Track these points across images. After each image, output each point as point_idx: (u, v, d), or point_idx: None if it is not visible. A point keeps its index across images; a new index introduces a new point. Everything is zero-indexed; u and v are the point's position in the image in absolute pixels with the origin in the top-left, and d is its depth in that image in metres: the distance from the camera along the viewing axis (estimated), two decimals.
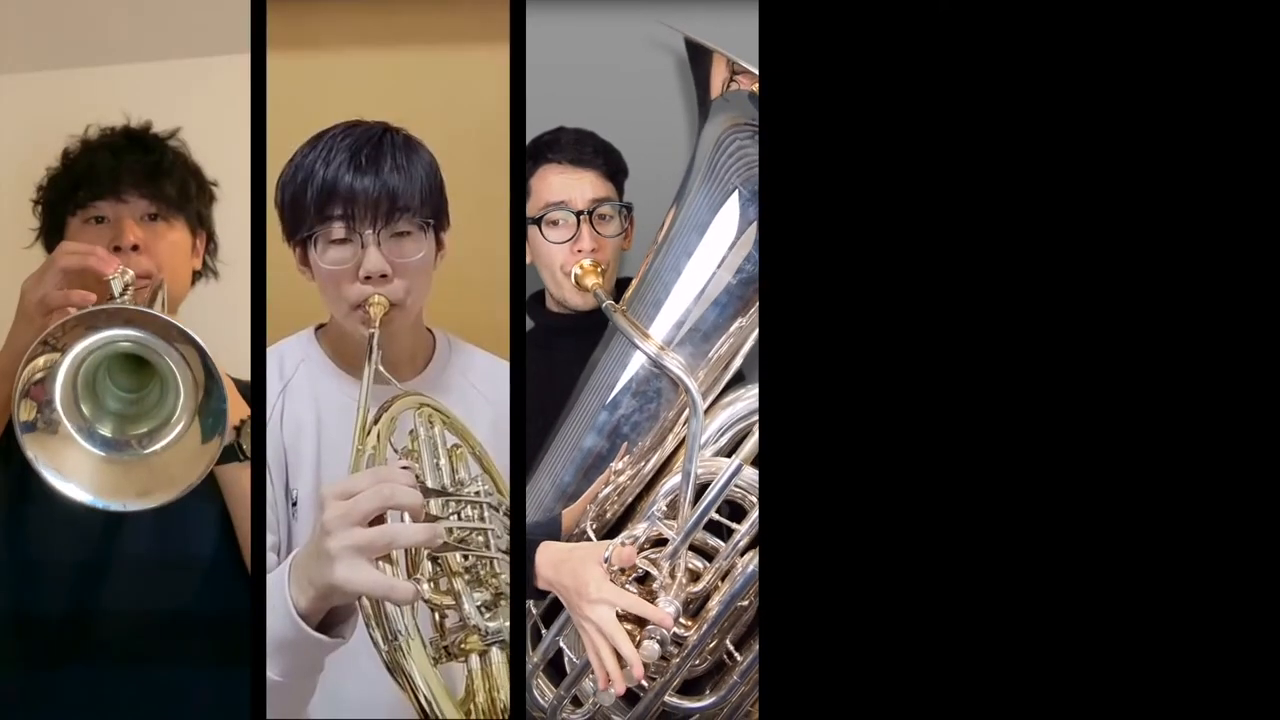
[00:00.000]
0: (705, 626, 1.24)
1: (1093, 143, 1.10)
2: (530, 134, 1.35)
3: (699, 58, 1.26)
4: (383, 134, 1.29)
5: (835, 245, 1.12)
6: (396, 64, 1.65)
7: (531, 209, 1.44)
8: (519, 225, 1.35)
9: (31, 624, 1.30)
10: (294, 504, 1.30)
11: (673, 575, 1.23)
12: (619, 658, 1.19)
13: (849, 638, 1.11)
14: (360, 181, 1.25)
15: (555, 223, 1.41)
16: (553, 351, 1.44)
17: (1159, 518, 1.08)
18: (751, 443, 1.25)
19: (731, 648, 1.29)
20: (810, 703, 1.11)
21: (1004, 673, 1.10)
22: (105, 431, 1.15)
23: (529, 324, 1.51)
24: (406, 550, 1.10)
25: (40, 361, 1.10)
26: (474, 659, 1.10)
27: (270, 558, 1.27)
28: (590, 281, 1.37)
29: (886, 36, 1.13)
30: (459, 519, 1.16)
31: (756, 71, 1.17)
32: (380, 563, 1.04)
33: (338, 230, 1.26)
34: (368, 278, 1.26)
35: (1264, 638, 1.06)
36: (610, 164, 1.44)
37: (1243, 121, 1.09)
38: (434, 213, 1.30)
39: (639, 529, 1.25)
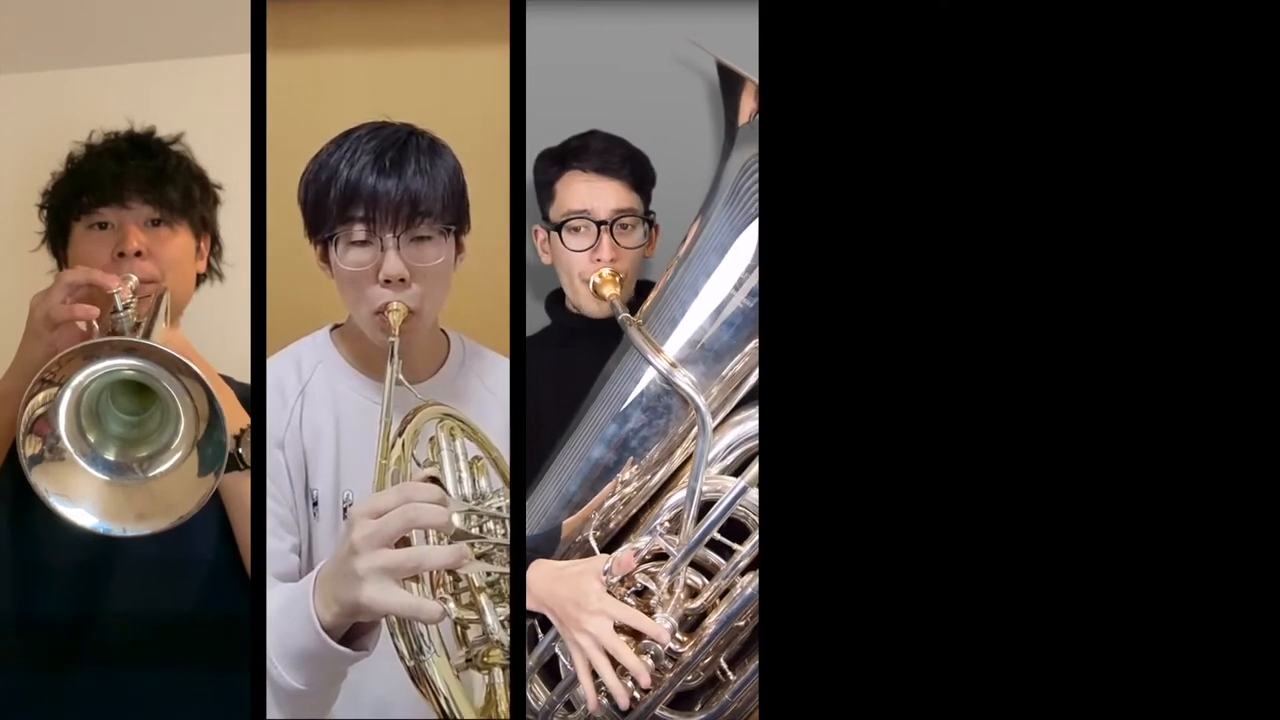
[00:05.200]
0: (701, 644, 1.25)
1: (1094, 144, 1.10)
2: (531, 134, 1.34)
3: (729, 83, 1.25)
4: (408, 137, 1.29)
5: (836, 249, 1.13)
6: (396, 64, 1.65)
7: (554, 214, 1.45)
8: (519, 226, 1.36)
9: (35, 627, 1.31)
10: (315, 504, 1.31)
11: (671, 591, 1.24)
12: (617, 671, 1.20)
13: (849, 656, 1.12)
14: (383, 184, 1.25)
15: (576, 230, 1.42)
16: (570, 350, 1.44)
17: (1159, 523, 1.08)
18: (757, 465, 1.24)
19: (725, 665, 1.30)
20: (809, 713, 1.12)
21: (1006, 691, 1.10)
22: (109, 455, 1.15)
23: (547, 322, 1.52)
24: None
25: (40, 398, 1.11)
26: (497, 672, 1.12)
27: (291, 558, 1.28)
28: (608, 291, 1.37)
29: (886, 37, 1.13)
30: (480, 532, 1.17)
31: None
32: (406, 581, 1.05)
33: (358, 232, 1.26)
34: (387, 281, 1.26)
35: (1264, 638, 1.07)
36: (637, 173, 1.44)
37: (1243, 121, 1.09)
38: (455, 217, 1.31)
39: (641, 542, 1.26)
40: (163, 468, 1.16)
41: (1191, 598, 1.08)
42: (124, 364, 1.12)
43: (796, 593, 1.12)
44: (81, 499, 1.13)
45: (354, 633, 1.10)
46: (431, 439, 1.23)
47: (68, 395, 1.12)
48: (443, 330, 1.41)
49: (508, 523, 1.19)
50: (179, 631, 1.31)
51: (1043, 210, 1.11)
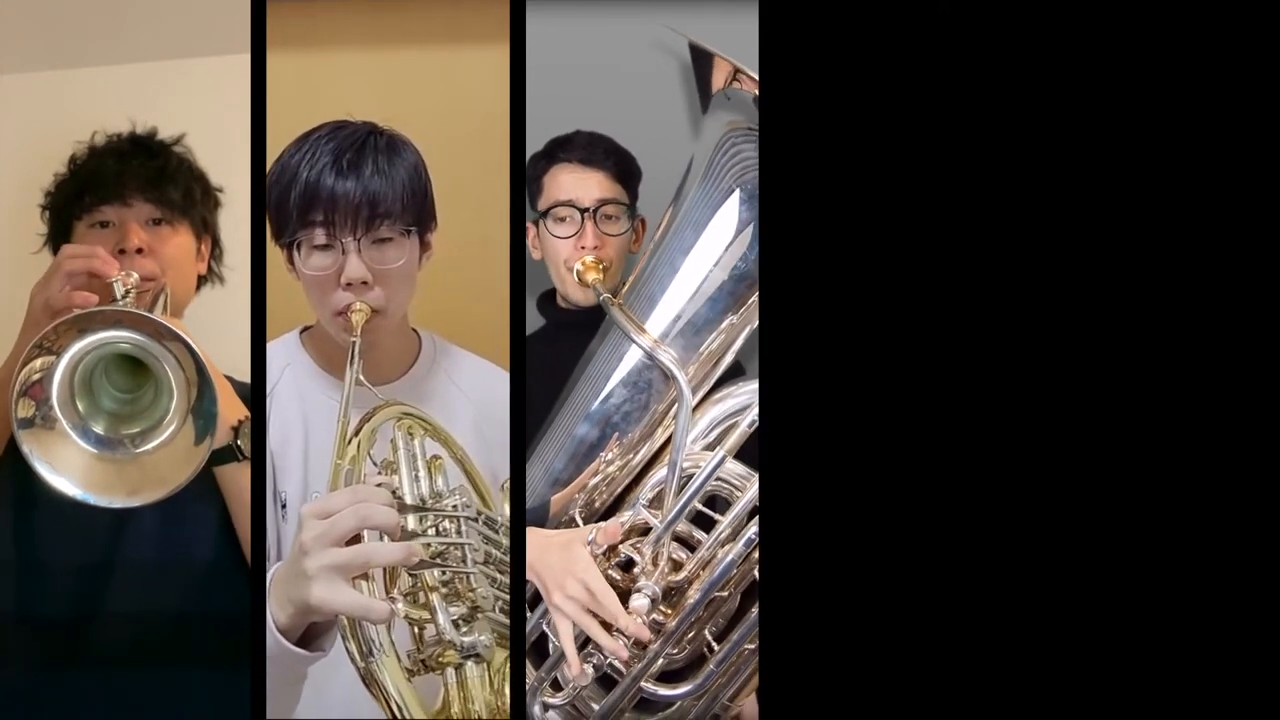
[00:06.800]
0: (684, 613, 1.26)
1: (1093, 143, 1.10)
2: (530, 134, 1.35)
3: (701, 60, 1.27)
4: (367, 136, 1.28)
5: (835, 245, 1.13)
6: (397, 64, 1.65)
7: (541, 205, 1.47)
8: (519, 226, 1.36)
9: (35, 625, 1.31)
10: (283, 506, 1.31)
11: (655, 562, 1.25)
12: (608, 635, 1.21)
13: (849, 635, 1.11)
14: (342, 185, 1.24)
15: (562, 219, 1.44)
16: (559, 346, 1.45)
17: (1159, 517, 1.08)
18: (735, 435, 1.26)
19: (710, 639, 1.30)
20: (809, 699, 1.12)
21: (1004, 676, 1.10)
22: (99, 429, 1.16)
23: (540, 321, 1.53)
24: (384, 567, 1.11)
25: (37, 364, 1.12)
26: (449, 672, 1.11)
27: None
28: (591, 277, 1.39)
29: (886, 37, 1.13)
30: (436, 533, 1.17)
31: (757, 75, 1.18)
32: (357, 581, 1.05)
33: (319, 236, 1.26)
34: (349, 284, 1.26)
35: (1264, 638, 1.07)
36: (621, 167, 1.46)
37: (1243, 121, 1.09)
38: (417, 217, 1.30)
39: (625, 516, 1.27)
40: (155, 442, 1.16)
41: (1191, 598, 1.07)
42: (115, 335, 1.13)
43: (796, 569, 1.12)
44: (68, 470, 1.14)
45: (311, 633, 1.10)
46: (391, 440, 1.23)
47: (63, 363, 1.13)
48: (414, 330, 1.41)
49: (463, 521, 1.18)
50: (179, 631, 1.31)
51: (1041, 207, 1.10)
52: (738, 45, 1.23)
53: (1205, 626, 1.07)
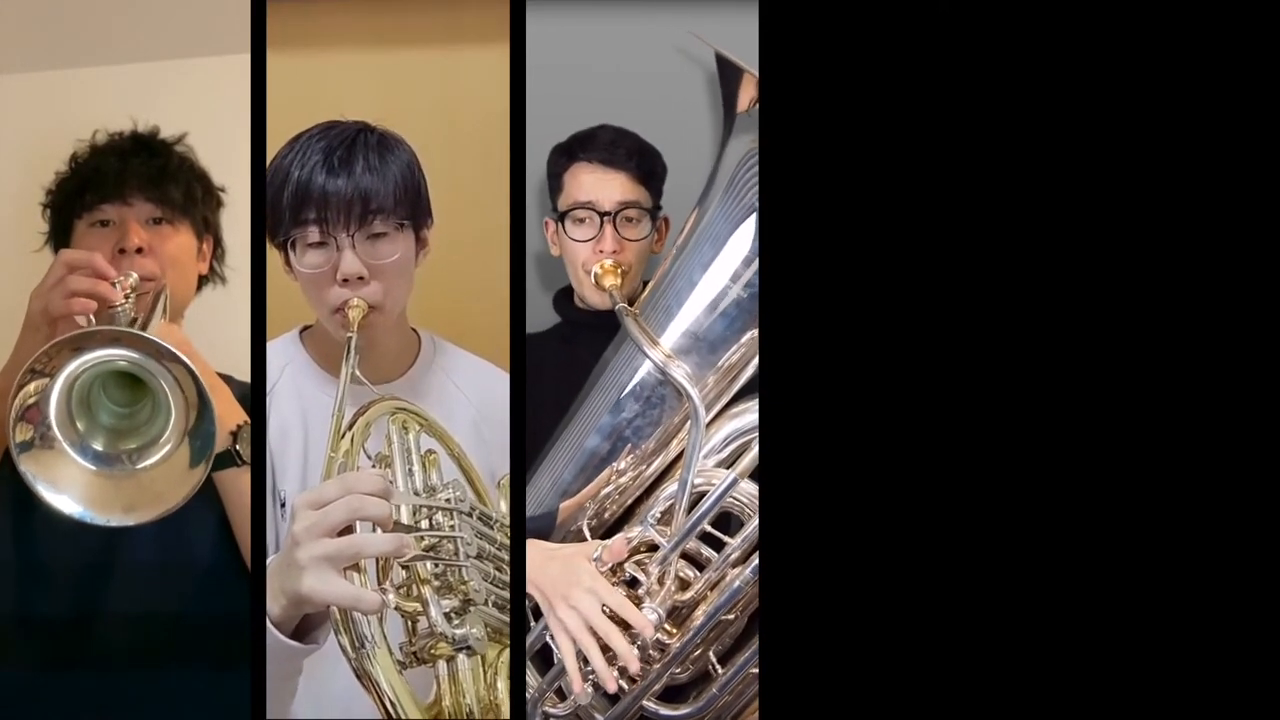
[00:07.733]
0: (688, 635, 1.25)
1: (1093, 143, 1.11)
2: (534, 135, 1.34)
3: (728, 73, 1.26)
4: (357, 134, 1.29)
5: (836, 248, 1.13)
6: (397, 64, 1.65)
7: (561, 205, 1.45)
8: (519, 226, 1.36)
9: (35, 627, 1.31)
10: (282, 505, 1.31)
11: (660, 582, 1.24)
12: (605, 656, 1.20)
13: (849, 651, 1.11)
14: (333, 183, 1.25)
15: (581, 220, 1.43)
16: (574, 346, 1.45)
17: (1159, 519, 1.08)
18: (750, 456, 1.24)
19: (715, 660, 1.29)
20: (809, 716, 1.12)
21: (1005, 685, 1.10)
22: (97, 446, 1.16)
23: (555, 318, 1.52)
24: (377, 559, 1.11)
25: (31, 387, 1.12)
26: (441, 665, 1.11)
27: None
28: (608, 282, 1.38)
29: (886, 37, 1.13)
30: (430, 525, 1.17)
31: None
32: (350, 572, 1.05)
33: (313, 234, 1.26)
34: (345, 280, 1.26)
35: (1264, 638, 1.07)
36: (644, 166, 1.44)
37: (1243, 121, 1.09)
38: (411, 212, 1.30)
39: (633, 532, 1.25)
40: (152, 459, 1.16)
41: (1191, 598, 1.07)
42: (112, 354, 1.12)
43: (796, 586, 1.12)
44: (68, 487, 1.13)
45: (305, 626, 1.10)
46: (388, 434, 1.23)
47: (59, 384, 1.12)
48: (414, 329, 1.41)
49: (456, 514, 1.18)
50: (179, 631, 1.31)
51: (1040, 206, 1.10)
52: (738, 45, 1.23)
53: (1205, 626, 1.07)
